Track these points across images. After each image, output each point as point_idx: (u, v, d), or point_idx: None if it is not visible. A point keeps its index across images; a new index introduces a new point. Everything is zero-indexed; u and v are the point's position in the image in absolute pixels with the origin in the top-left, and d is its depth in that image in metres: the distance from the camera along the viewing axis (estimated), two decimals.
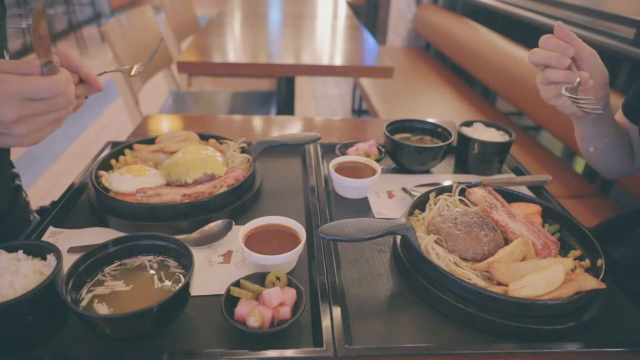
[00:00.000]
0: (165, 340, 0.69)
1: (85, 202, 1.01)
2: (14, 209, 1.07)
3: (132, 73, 0.94)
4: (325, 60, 2.24)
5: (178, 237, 0.78)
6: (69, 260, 0.70)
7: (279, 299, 0.69)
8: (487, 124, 1.28)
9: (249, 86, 3.29)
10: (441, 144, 1.19)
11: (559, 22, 0.86)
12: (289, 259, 0.80)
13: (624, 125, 1.11)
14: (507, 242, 0.86)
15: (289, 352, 0.66)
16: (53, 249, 0.72)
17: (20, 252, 0.71)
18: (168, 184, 1.01)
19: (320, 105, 5.00)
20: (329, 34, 2.93)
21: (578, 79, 0.83)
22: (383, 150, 1.24)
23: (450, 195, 0.99)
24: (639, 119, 1.04)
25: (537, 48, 0.88)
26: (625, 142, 1.07)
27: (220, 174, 1.03)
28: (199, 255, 0.86)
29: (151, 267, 0.75)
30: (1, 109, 0.64)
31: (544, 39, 0.87)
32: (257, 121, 1.58)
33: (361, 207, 1.08)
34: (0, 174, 1.02)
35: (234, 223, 0.92)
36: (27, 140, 0.68)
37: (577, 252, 0.85)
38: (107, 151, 1.12)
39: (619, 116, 1.12)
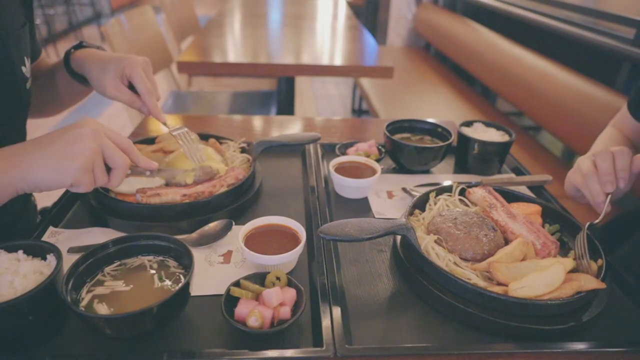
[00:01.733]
0: (165, 340, 0.69)
1: (85, 202, 1.01)
2: (25, 213, 1.08)
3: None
4: (325, 60, 2.24)
5: (178, 237, 0.78)
6: (69, 260, 0.70)
7: (279, 299, 0.69)
8: (487, 124, 1.28)
9: (249, 86, 3.29)
10: (441, 144, 1.19)
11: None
12: (289, 259, 0.80)
13: (623, 129, 1.10)
14: (507, 242, 0.86)
15: (289, 352, 0.66)
16: (53, 249, 0.72)
17: (20, 252, 0.71)
18: (168, 184, 1.01)
19: (320, 105, 5.00)
20: (329, 34, 2.94)
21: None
22: (383, 150, 1.24)
23: (450, 195, 0.99)
24: None
25: (584, 179, 0.88)
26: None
27: (220, 174, 1.03)
28: (199, 255, 0.86)
29: (151, 267, 0.75)
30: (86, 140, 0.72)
31: (589, 174, 0.87)
32: (257, 121, 1.58)
33: (361, 207, 1.08)
34: None
35: (234, 223, 0.92)
36: (77, 175, 0.71)
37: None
38: None
39: (621, 121, 1.11)
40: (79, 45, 1.04)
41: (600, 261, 0.80)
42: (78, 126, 0.74)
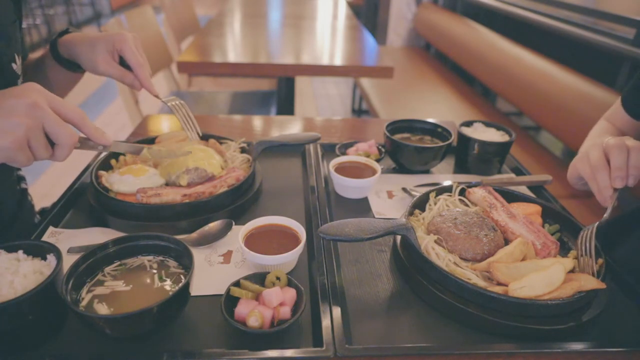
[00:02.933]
0: (165, 340, 0.69)
1: (85, 202, 1.01)
2: (21, 213, 1.07)
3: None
4: (325, 60, 2.24)
5: (178, 237, 0.78)
6: (69, 260, 0.70)
7: (279, 299, 0.69)
8: (487, 124, 1.28)
9: (249, 86, 3.29)
10: (441, 144, 1.19)
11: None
12: (289, 259, 0.80)
13: (617, 123, 1.10)
14: (507, 242, 0.86)
15: (289, 352, 0.66)
16: (53, 249, 0.72)
17: (20, 252, 0.71)
18: (167, 184, 1.01)
19: (320, 105, 5.00)
20: (329, 34, 2.93)
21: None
22: (383, 150, 1.24)
23: (450, 195, 0.99)
24: None
25: (593, 172, 0.83)
26: None
27: (220, 174, 1.03)
28: (199, 255, 0.86)
29: (151, 267, 0.75)
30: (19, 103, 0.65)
31: (599, 167, 0.82)
32: (257, 121, 1.58)
33: (361, 207, 1.08)
34: (7, 178, 1.02)
35: (234, 223, 0.92)
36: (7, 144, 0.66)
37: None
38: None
39: (614, 115, 1.11)
40: (65, 32, 1.03)
41: (600, 261, 0.80)
42: (15, 95, 0.67)
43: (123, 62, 0.99)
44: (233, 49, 2.45)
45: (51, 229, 0.93)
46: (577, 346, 0.70)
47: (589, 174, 0.84)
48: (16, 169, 1.10)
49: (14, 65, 0.91)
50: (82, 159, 1.18)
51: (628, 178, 0.81)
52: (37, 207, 1.25)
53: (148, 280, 0.72)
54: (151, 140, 1.17)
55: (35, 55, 1.13)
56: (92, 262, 0.72)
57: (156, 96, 1.01)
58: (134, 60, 0.96)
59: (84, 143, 0.77)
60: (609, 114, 1.14)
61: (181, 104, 1.04)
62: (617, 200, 0.83)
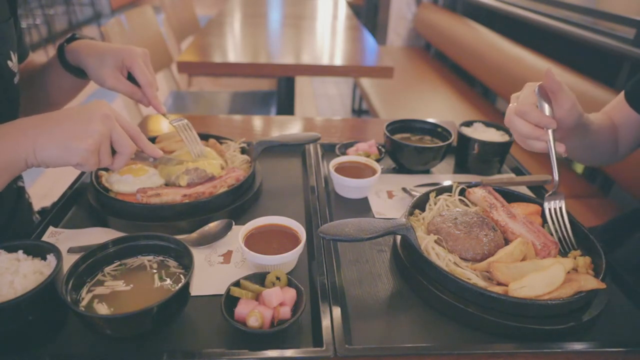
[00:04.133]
0: (165, 340, 0.69)
1: (85, 202, 1.01)
2: (18, 211, 1.07)
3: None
4: (325, 60, 2.24)
5: (178, 237, 0.78)
6: (69, 260, 0.70)
7: (279, 299, 0.69)
8: (487, 124, 1.28)
9: (249, 86, 3.29)
10: (441, 144, 1.19)
11: (549, 69, 0.84)
12: (289, 259, 0.80)
13: (615, 116, 1.10)
14: (507, 242, 0.86)
15: (289, 352, 0.66)
16: (53, 249, 0.72)
17: (20, 252, 0.71)
18: (167, 184, 1.01)
19: (320, 105, 5.00)
20: (329, 34, 2.93)
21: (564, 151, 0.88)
22: (383, 150, 1.24)
23: (450, 195, 0.98)
24: None
25: (516, 117, 0.87)
26: (606, 139, 1.07)
27: (220, 174, 1.03)
28: (199, 255, 0.86)
29: (151, 267, 0.75)
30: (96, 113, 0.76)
31: (525, 112, 0.85)
32: (257, 121, 1.58)
33: (361, 207, 1.08)
34: None
35: (234, 223, 0.92)
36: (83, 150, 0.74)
37: (577, 252, 0.85)
38: None
39: (614, 110, 1.11)
40: (72, 38, 1.03)
41: (588, 259, 0.81)
42: (91, 108, 0.77)
43: (130, 75, 1.00)
44: (233, 49, 2.45)
45: (51, 229, 0.92)
46: (577, 346, 0.70)
47: (527, 132, 0.86)
48: None
49: (9, 63, 0.91)
50: None
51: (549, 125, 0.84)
52: (37, 207, 1.25)
53: (148, 280, 0.72)
54: (151, 140, 1.17)
55: (35, 55, 1.13)
56: (92, 262, 0.72)
57: (163, 115, 1.02)
58: (143, 79, 0.97)
59: (138, 155, 0.87)
60: (608, 109, 1.14)
61: (187, 125, 1.04)
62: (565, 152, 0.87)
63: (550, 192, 0.92)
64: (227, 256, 0.87)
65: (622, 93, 1.10)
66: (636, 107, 1.06)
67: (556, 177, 0.90)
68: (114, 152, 0.80)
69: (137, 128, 0.83)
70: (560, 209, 0.89)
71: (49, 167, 0.76)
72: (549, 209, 0.90)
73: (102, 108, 0.77)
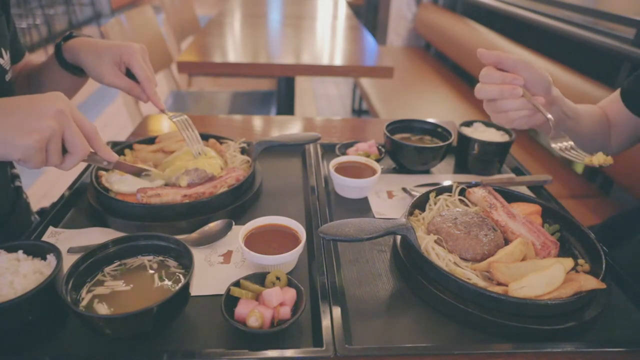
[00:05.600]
0: (165, 340, 0.69)
1: (85, 202, 1.01)
2: (16, 211, 1.07)
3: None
4: (325, 60, 2.24)
5: (178, 237, 0.78)
6: (69, 260, 0.70)
7: (279, 299, 0.69)
8: (487, 124, 1.28)
9: (249, 86, 3.29)
10: (441, 144, 1.19)
11: (479, 49, 0.84)
12: (289, 259, 0.80)
13: (610, 112, 1.10)
14: (507, 242, 0.86)
15: (289, 352, 0.66)
16: (53, 249, 0.72)
17: (20, 252, 0.71)
18: (167, 184, 1.01)
19: (320, 105, 5.00)
20: (329, 34, 2.93)
21: (550, 118, 0.85)
22: (383, 150, 1.24)
23: (450, 195, 0.99)
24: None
25: (481, 84, 0.87)
26: (592, 131, 1.07)
27: (220, 174, 1.03)
28: (199, 255, 0.86)
29: (151, 267, 0.75)
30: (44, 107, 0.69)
31: (485, 75, 0.85)
32: (257, 121, 1.58)
33: (361, 207, 1.08)
34: (1, 176, 1.02)
35: (234, 223, 0.92)
36: (26, 152, 0.68)
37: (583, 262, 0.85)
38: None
39: (609, 105, 1.11)
40: (70, 36, 1.02)
41: (582, 261, 0.81)
42: (45, 100, 0.70)
43: (129, 72, 0.99)
44: (233, 49, 2.45)
45: (51, 229, 0.93)
46: (577, 346, 0.70)
47: (497, 92, 0.85)
48: (11, 167, 1.10)
49: (0, 60, 0.91)
50: None
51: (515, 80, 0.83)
52: (37, 207, 1.25)
53: (148, 280, 0.72)
54: (151, 140, 1.17)
55: (35, 55, 1.12)
56: (92, 262, 0.72)
57: (162, 111, 1.01)
58: (141, 74, 0.96)
59: (91, 157, 0.80)
60: (604, 103, 1.14)
61: (185, 120, 1.04)
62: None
63: (551, 134, 0.89)
64: (227, 256, 0.87)
65: (619, 90, 1.10)
66: (630, 106, 1.06)
67: (549, 115, 0.84)
68: (65, 151, 0.74)
69: (93, 127, 0.76)
70: (570, 145, 0.87)
71: None
72: (559, 147, 0.87)
73: (58, 102, 0.70)
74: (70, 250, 0.85)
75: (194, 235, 0.91)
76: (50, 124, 0.68)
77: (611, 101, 1.12)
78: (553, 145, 0.88)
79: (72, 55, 1.00)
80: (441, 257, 0.80)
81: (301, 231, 0.85)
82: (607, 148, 1.12)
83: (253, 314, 0.66)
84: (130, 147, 1.14)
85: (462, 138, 1.22)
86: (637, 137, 1.10)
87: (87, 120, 0.75)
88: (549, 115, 0.84)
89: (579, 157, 0.86)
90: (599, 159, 0.82)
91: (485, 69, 0.86)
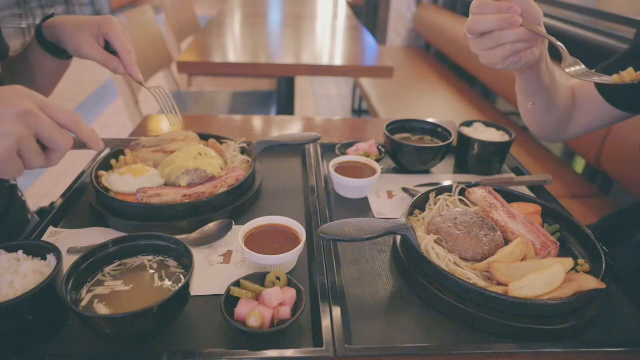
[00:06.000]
0: (165, 340, 0.69)
1: (85, 202, 1.01)
2: (11, 209, 1.07)
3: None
4: (325, 60, 2.24)
5: (178, 237, 0.78)
6: (69, 260, 0.70)
7: (279, 299, 0.69)
8: (487, 124, 1.28)
9: (249, 86, 3.29)
10: (441, 144, 1.19)
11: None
12: (289, 259, 0.80)
13: (578, 93, 1.10)
14: (507, 242, 0.86)
15: (289, 352, 0.66)
16: (53, 249, 0.72)
17: (20, 252, 0.71)
18: (167, 184, 1.01)
19: (320, 105, 5.00)
20: (329, 34, 2.93)
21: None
22: (383, 150, 1.24)
23: (450, 195, 0.99)
24: (614, 96, 1.03)
25: (474, 16, 0.80)
26: (564, 106, 1.07)
27: (220, 174, 1.03)
28: (199, 255, 0.86)
29: (151, 267, 0.75)
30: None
31: (479, 5, 0.79)
32: (257, 121, 1.58)
33: (361, 207, 1.08)
34: None
35: (234, 223, 0.92)
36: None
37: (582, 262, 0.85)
38: (107, 151, 1.13)
39: (580, 83, 1.11)
40: (50, 16, 1.02)
41: (582, 261, 0.80)
42: (3, 102, 0.62)
43: (109, 49, 0.98)
44: (233, 49, 2.45)
45: (51, 229, 0.93)
46: (577, 346, 0.70)
47: (494, 22, 0.79)
48: None
49: None
50: (82, 159, 1.18)
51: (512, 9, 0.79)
52: (37, 207, 1.25)
53: (148, 280, 0.72)
54: None
55: None
56: (92, 262, 0.72)
57: (140, 83, 1.00)
58: (119, 44, 0.94)
59: (77, 143, 0.72)
60: (574, 83, 1.13)
61: (162, 91, 1.03)
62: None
63: (563, 63, 0.82)
64: (227, 256, 0.87)
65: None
66: (603, 92, 1.05)
67: (558, 42, 0.80)
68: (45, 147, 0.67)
69: (74, 115, 0.69)
70: (586, 70, 0.80)
71: None
72: (575, 72, 0.80)
73: (20, 102, 0.62)
74: (70, 250, 0.85)
75: (194, 235, 0.91)
76: (13, 130, 0.61)
77: (580, 84, 1.11)
78: (567, 71, 0.80)
79: (52, 32, 0.98)
80: (441, 257, 0.80)
81: (301, 231, 0.85)
82: (564, 127, 1.12)
83: (253, 314, 0.66)
84: None
85: (462, 138, 1.22)
86: (598, 124, 1.10)
87: (62, 110, 0.67)
88: (558, 43, 0.78)
89: (602, 78, 0.77)
90: (630, 74, 0.73)
91: (478, 1, 0.79)
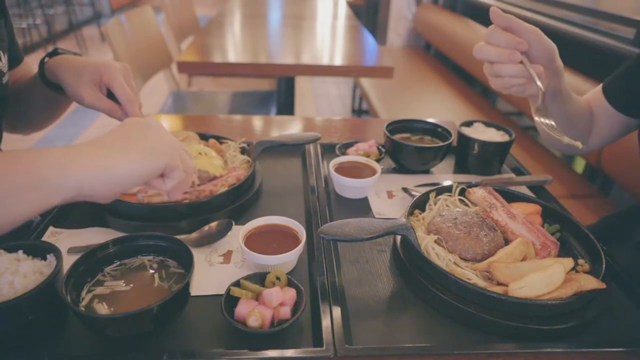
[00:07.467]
0: (165, 340, 0.69)
1: (85, 202, 1.00)
2: None
3: None
4: (325, 60, 2.24)
5: (178, 237, 0.78)
6: (69, 260, 0.70)
7: (279, 299, 0.69)
8: (487, 124, 1.28)
9: (249, 86, 3.29)
10: (441, 144, 1.19)
11: (493, 8, 0.81)
12: (289, 259, 0.80)
13: (592, 105, 1.10)
14: (507, 242, 0.86)
15: (289, 352, 0.66)
16: (53, 249, 0.72)
17: (20, 252, 0.71)
18: None
19: (320, 105, 5.00)
20: (329, 34, 2.93)
21: (542, 91, 0.84)
22: (383, 150, 1.24)
23: (450, 195, 0.99)
24: (623, 104, 1.04)
25: (483, 43, 0.84)
26: (583, 124, 1.07)
27: (221, 174, 1.03)
28: (199, 255, 0.86)
29: (151, 267, 0.75)
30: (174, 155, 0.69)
31: (491, 34, 0.82)
32: (257, 121, 1.58)
33: (361, 207, 1.08)
34: None
35: (234, 223, 0.92)
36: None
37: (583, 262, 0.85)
38: None
39: (592, 95, 1.11)
40: (54, 53, 0.97)
41: (582, 261, 0.80)
42: (169, 134, 0.71)
43: (111, 92, 0.94)
44: (233, 49, 2.45)
45: (51, 229, 0.93)
46: (577, 346, 0.70)
47: (495, 55, 0.83)
48: None
49: None
50: None
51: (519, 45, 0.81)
52: None
53: (148, 280, 0.72)
54: None
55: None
56: (92, 262, 0.72)
57: None
58: (122, 95, 0.91)
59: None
60: (588, 97, 1.14)
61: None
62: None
63: (537, 105, 0.87)
64: (227, 256, 0.87)
65: (600, 85, 1.10)
66: (612, 101, 1.06)
67: (541, 86, 0.83)
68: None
69: (192, 169, 0.77)
70: (552, 124, 0.85)
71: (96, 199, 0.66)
72: (541, 121, 0.86)
73: (166, 138, 0.70)
74: (70, 250, 0.85)
75: (194, 235, 0.91)
76: (171, 153, 0.69)
77: (593, 95, 1.12)
78: (536, 118, 0.86)
79: (53, 74, 0.95)
80: (441, 257, 0.80)
81: (301, 231, 0.85)
82: (585, 140, 1.12)
83: (253, 314, 0.66)
84: None
85: (462, 138, 1.22)
86: (614, 134, 1.10)
87: (190, 160, 0.76)
88: (540, 84, 0.82)
89: (557, 134, 0.84)
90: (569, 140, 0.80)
91: (492, 27, 0.82)
